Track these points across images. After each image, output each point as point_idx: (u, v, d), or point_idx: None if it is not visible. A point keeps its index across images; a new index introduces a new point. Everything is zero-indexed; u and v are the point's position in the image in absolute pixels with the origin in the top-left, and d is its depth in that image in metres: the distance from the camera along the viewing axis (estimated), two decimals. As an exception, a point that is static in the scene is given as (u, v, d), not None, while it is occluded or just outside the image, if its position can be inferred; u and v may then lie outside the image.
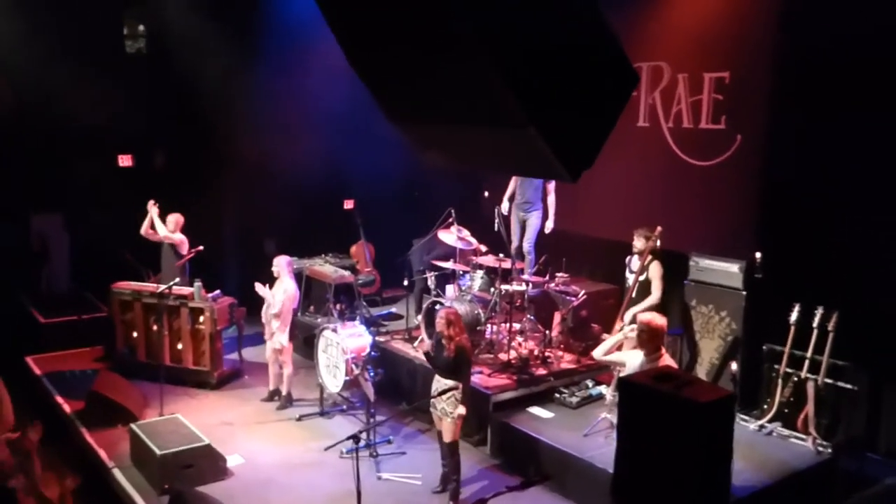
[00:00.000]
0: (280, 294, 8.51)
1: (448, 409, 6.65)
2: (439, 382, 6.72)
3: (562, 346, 9.08)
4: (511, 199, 9.69)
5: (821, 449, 7.09)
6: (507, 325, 8.74)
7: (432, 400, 6.77)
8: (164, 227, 9.49)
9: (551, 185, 9.48)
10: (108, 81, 10.42)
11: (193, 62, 10.55)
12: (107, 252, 10.87)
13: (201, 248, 9.54)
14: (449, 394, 6.59)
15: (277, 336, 8.57)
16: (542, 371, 8.49)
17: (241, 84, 11.03)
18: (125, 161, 11.57)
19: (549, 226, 9.50)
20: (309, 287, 10.70)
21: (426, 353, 7.09)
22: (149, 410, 8.36)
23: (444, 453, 6.94)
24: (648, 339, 5.60)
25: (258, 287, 8.65)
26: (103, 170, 11.30)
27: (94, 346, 10.24)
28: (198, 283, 9.25)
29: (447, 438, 6.77)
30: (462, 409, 6.63)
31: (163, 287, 8.84)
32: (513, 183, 9.68)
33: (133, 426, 7.49)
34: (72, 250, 11.79)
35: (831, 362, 7.15)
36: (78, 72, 10.16)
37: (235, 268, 11.32)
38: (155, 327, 9.21)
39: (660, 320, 5.71)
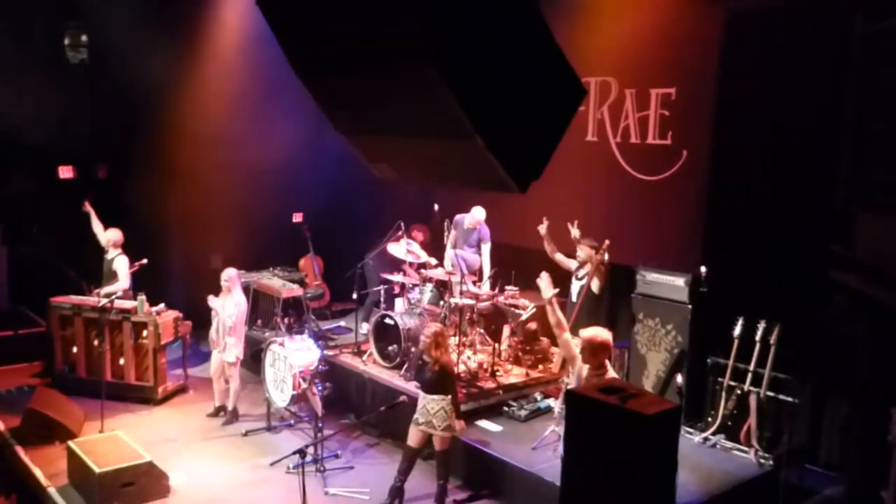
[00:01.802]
0: (231, 307, 8.39)
1: (437, 423, 6.71)
2: (425, 399, 6.76)
3: (511, 359, 9.10)
4: (454, 247, 9.70)
5: (763, 461, 7.21)
6: (457, 338, 8.73)
7: (416, 416, 6.81)
8: (101, 226, 9.38)
9: (485, 241, 9.62)
10: (48, 92, 10.17)
11: (136, 72, 10.35)
12: (46, 266, 10.61)
13: (145, 260, 9.34)
14: (437, 408, 6.68)
15: (231, 349, 8.43)
16: (491, 384, 8.49)
17: (186, 94, 10.87)
18: (66, 173, 11.31)
19: (484, 286, 9.40)
20: (256, 301, 10.57)
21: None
22: (89, 427, 8.14)
23: (404, 468, 6.93)
24: (591, 354, 5.57)
25: (211, 300, 8.51)
26: (44, 182, 11.04)
27: (31, 362, 9.95)
28: (141, 297, 9.06)
29: (439, 447, 6.85)
30: (458, 425, 6.77)
31: (104, 301, 8.64)
32: (454, 231, 9.72)
33: (71, 444, 7.28)
34: (9, 264, 11.47)
35: (773, 375, 7.28)
36: (17, 82, 9.92)
37: (181, 281, 11.12)
38: (96, 342, 8.99)
39: (602, 335, 5.67)
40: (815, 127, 7.31)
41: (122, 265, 9.24)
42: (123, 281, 9.17)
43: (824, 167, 7.38)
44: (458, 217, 9.77)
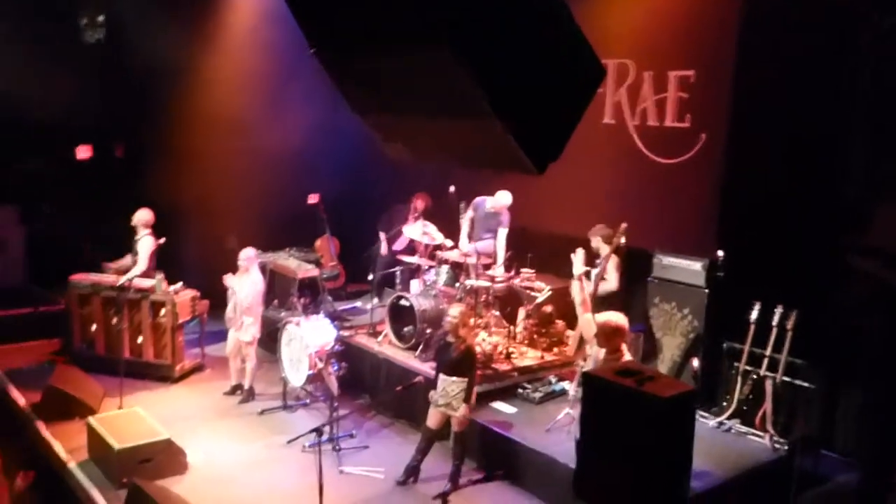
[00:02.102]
0: (248, 286, 8.44)
1: (456, 405, 6.77)
2: (446, 381, 6.80)
3: (526, 341, 9.10)
4: (470, 235, 9.55)
5: (777, 446, 7.19)
6: (472, 320, 8.73)
7: (436, 397, 6.85)
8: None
9: (504, 227, 9.41)
10: (65, 72, 10.24)
11: (152, 52, 10.38)
12: (64, 244, 10.71)
13: (162, 240, 9.40)
14: (459, 391, 6.74)
15: (248, 329, 8.48)
16: (505, 366, 8.51)
17: (202, 74, 10.89)
18: (84, 153, 11.39)
19: (499, 270, 9.32)
20: (273, 281, 10.62)
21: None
22: (107, 404, 8.24)
23: (422, 447, 7.01)
24: (605, 338, 5.58)
25: (228, 279, 8.56)
26: (61, 161, 11.12)
27: (50, 339, 10.06)
28: (159, 276, 9.13)
29: (457, 429, 6.91)
30: (463, 409, 6.77)
31: (123, 279, 8.72)
32: (471, 214, 9.53)
33: (91, 420, 7.38)
34: (28, 243, 11.59)
35: (789, 361, 7.25)
36: (35, 62, 9.97)
37: (198, 261, 11.18)
38: (114, 320, 9.07)
39: (617, 320, 5.66)
40: (834, 111, 7.23)
41: (144, 247, 9.26)
42: (141, 263, 9.20)
43: (843, 152, 7.32)
44: (477, 200, 9.56)
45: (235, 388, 8.84)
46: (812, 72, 7.28)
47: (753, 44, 7.67)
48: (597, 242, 7.89)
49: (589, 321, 5.83)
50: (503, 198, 9.29)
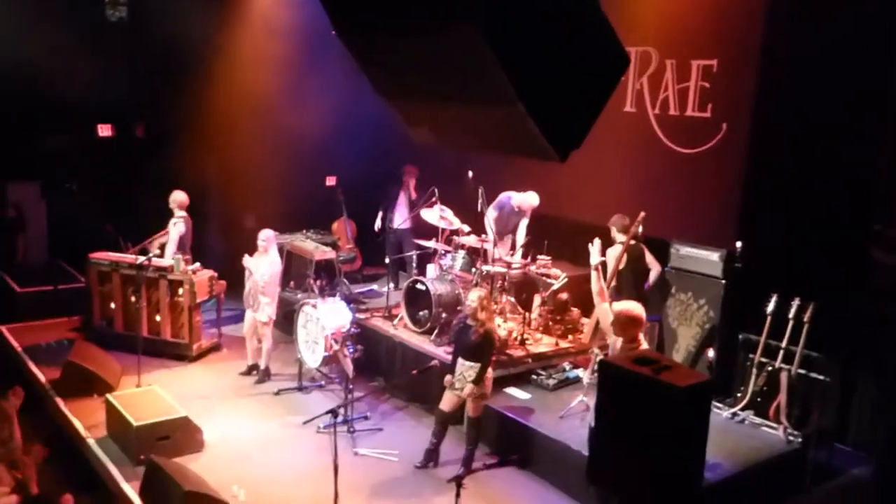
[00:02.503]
0: (266, 266, 8.50)
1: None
2: (463, 366, 6.83)
3: (541, 328, 9.12)
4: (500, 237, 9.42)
5: (791, 438, 7.18)
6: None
7: (452, 380, 6.89)
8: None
9: (526, 217, 9.41)
10: (88, 50, 10.29)
11: (174, 31, 10.42)
12: (85, 222, 10.80)
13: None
14: (472, 374, 6.77)
15: (265, 309, 8.55)
16: (520, 353, 8.53)
17: (224, 55, 10.91)
18: (105, 131, 11.46)
19: (517, 256, 9.29)
20: (290, 262, 10.67)
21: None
22: (125, 382, 8.33)
23: (437, 431, 7.05)
24: (622, 328, 5.54)
25: (246, 259, 8.63)
26: (82, 139, 11.20)
27: (70, 317, 10.17)
28: (177, 256, 9.20)
29: (472, 414, 6.95)
30: (469, 389, 6.79)
31: (142, 259, 8.80)
32: (496, 214, 9.38)
33: (109, 397, 7.46)
34: (49, 220, 11.69)
35: (805, 353, 7.23)
36: (57, 40, 10.03)
37: (216, 241, 11.27)
38: (133, 298, 9.16)
39: (633, 310, 5.61)
40: (859, 104, 7.17)
41: (175, 230, 9.37)
42: (170, 245, 9.33)
43: (867, 145, 7.26)
44: (502, 199, 9.41)
45: (251, 369, 8.92)
46: (838, 62, 7.21)
47: (778, 33, 7.60)
48: (614, 232, 7.89)
49: (606, 311, 5.83)
50: (532, 199, 9.27)
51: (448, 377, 6.92)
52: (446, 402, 6.96)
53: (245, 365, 9.00)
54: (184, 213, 9.47)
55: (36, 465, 6.17)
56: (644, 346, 5.57)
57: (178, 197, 9.47)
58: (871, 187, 7.21)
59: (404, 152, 10.13)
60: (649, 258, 8.15)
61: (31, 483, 5.93)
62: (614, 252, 7.66)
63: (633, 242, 7.78)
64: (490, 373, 6.95)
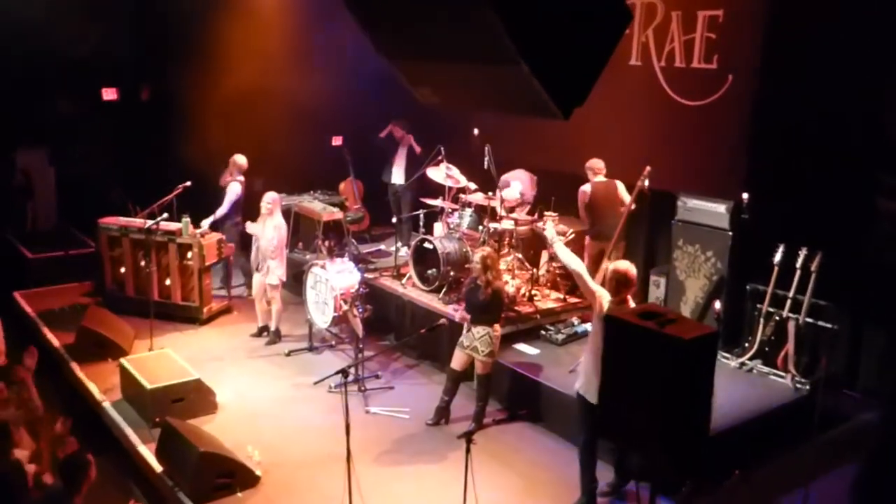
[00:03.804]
0: (271, 230, 8.53)
1: (480, 347, 6.88)
2: (473, 326, 6.90)
3: (549, 284, 9.16)
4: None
5: (799, 386, 7.25)
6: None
7: (461, 339, 6.96)
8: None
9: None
10: (91, 13, 10.23)
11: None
12: (93, 187, 10.83)
13: (188, 183, 9.47)
14: (483, 333, 6.84)
15: (273, 272, 8.60)
16: (528, 309, 8.58)
17: (229, 17, 10.82)
18: (109, 94, 11.43)
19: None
20: (298, 224, 10.71)
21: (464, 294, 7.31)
22: (138, 345, 8.43)
23: (449, 388, 7.14)
24: (610, 286, 5.59)
25: (249, 226, 8.68)
26: (89, 103, 11.17)
27: (81, 282, 10.25)
28: (186, 219, 9.24)
29: (481, 371, 7.03)
30: (482, 364, 6.94)
31: (150, 223, 8.84)
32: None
33: (123, 361, 7.56)
34: (57, 185, 11.72)
35: (813, 302, 7.27)
36: (60, 4, 9.96)
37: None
38: (143, 263, 9.22)
39: (626, 269, 5.60)
40: (868, 52, 7.09)
41: (231, 191, 9.58)
42: (223, 207, 9.53)
43: (875, 94, 7.19)
44: (503, 180, 9.43)
45: (262, 330, 9.01)
46: (845, 10, 7.12)
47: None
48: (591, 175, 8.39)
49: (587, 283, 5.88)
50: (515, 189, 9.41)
51: (444, 324, 6.92)
52: (457, 361, 7.03)
53: (255, 327, 9.08)
54: (242, 177, 9.55)
55: (54, 438, 6.24)
56: (632, 304, 5.58)
57: (240, 160, 9.67)
58: (877, 136, 7.15)
59: (410, 110, 10.07)
60: (622, 192, 8.34)
61: (45, 455, 6.01)
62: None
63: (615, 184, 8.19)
64: (499, 330, 7.01)
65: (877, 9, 7.00)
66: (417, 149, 10.61)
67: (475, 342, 6.88)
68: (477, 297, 6.87)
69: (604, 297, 5.70)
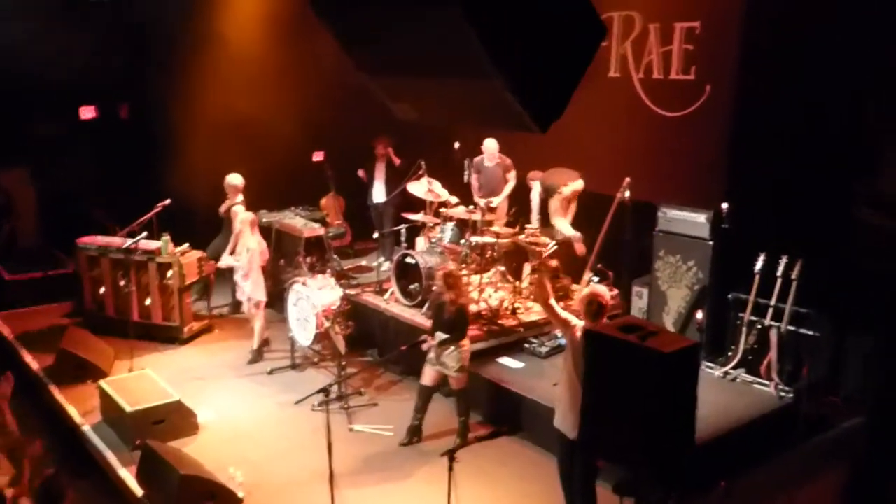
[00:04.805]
0: (244, 254, 8.43)
1: (449, 364, 6.82)
2: (439, 340, 6.84)
3: (532, 297, 9.14)
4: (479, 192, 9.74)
5: (783, 394, 7.27)
6: (478, 276, 8.77)
7: (430, 355, 6.89)
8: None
9: (511, 175, 9.71)
10: (69, 31, 10.16)
11: (155, 10, 10.29)
12: (74, 206, 10.73)
13: (168, 201, 9.41)
14: (451, 351, 6.79)
15: (252, 294, 8.51)
16: (512, 322, 8.56)
17: (207, 32, 10.78)
18: (87, 113, 11.35)
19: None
20: (280, 240, 10.64)
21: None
22: (118, 366, 8.33)
23: (420, 406, 7.09)
24: (592, 311, 5.33)
25: (224, 260, 8.60)
26: (68, 122, 11.09)
27: (60, 303, 10.14)
28: (165, 238, 9.15)
29: (456, 387, 6.97)
30: (456, 378, 6.87)
31: (129, 242, 8.76)
32: (476, 176, 9.76)
33: (102, 383, 7.47)
34: (38, 205, 11.62)
35: (794, 310, 7.30)
36: (38, 22, 9.90)
37: (204, 221, 11.19)
38: (122, 282, 9.13)
39: (602, 294, 5.41)
40: (843, 61, 7.15)
41: (234, 220, 8.87)
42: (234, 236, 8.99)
43: (852, 103, 7.25)
44: (477, 159, 9.73)
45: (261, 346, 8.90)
46: (821, 20, 7.18)
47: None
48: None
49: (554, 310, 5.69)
50: (491, 144, 9.57)
51: (426, 340, 6.89)
52: (427, 377, 6.99)
53: (238, 345, 9.02)
54: (241, 197, 9.46)
55: (32, 460, 6.15)
56: None
57: (234, 181, 9.54)
58: (855, 145, 7.21)
59: (391, 125, 10.06)
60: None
61: (24, 478, 5.92)
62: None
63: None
64: (467, 345, 6.95)
65: (852, 18, 7.07)
66: (396, 161, 10.59)
67: (444, 358, 6.83)
68: (442, 315, 6.85)
69: (578, 326, 5.42)
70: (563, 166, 9.14)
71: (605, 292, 5.50)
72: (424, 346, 6.87)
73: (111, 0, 10.89)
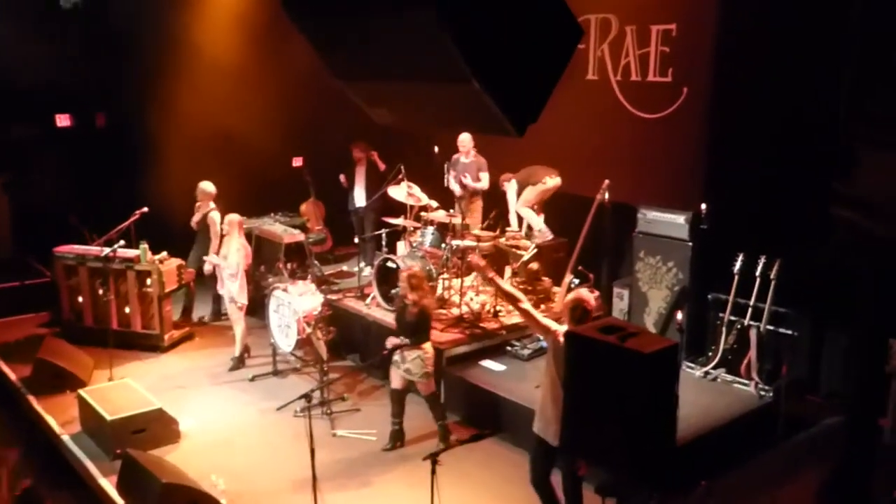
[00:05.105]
0: (234, 254, 8.41)
1: (413, 369, 6.81)
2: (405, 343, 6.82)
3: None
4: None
5: (763, 393, 7.31)
6: (459, 280, 8.78)
7: (396, 358, 6.87)
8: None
9: (483, 175, 9.66)
10: (43, 38, 10.09)
11: (130, 16, 10.23)
12: (49, 215, 10.63)
13: (146, 209, 9.35)
14: (414, 356, 6.77)
15: (236, 296, 8.48)
16: (493, 325, 8.57)
17: (183, 38, 10.72)
18: (63, 121, 11.26)
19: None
20: (259, 247, 10.58)
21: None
22: (98, 376, 8.26)
23: (396, 411, 7.08)
24: (577, 316, 5.23)
25: (210, 259, 8.58)
26: (43, 131, 11.00)
27: (38, 313, 10.04)
28: (143, 245, 9.09)
29: (425, 392, 6.96)
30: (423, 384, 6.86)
31: (107, 250, 8.69)
32: (453, 173, 9.75)
33: (81, 392, 7.40)
34: (12, 214, 11.50)
35: (773, 309, 7.35)
36: (13, 30, 9.82)
37: (182, 229, 11.12)
38: (101, 291, 9.05)
39: (586, 298, 5.33)
40: (818, 62, 7.22)
41: (212, 224, 9.35)
42: (214, 241, 9.29)
43: (827, 103, 7.31)
44: (454, 157, 9.76)
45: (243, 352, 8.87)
46: (796, 21, 7.25)
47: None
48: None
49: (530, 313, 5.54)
50: (466, 140, 9.54)
51: (390, 340, 6.86)
52: (395, 380, 7.00)
53: (219, 352, 8.98)
54: (213, 205, 9.49)
55: (10, 471, 6.08)
56: None
57: (207, 188, 9.55)
58: (831, 145, 7.28)
59: (370, 129, 10.05)
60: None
61: (2, 490, 5.86)
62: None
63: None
64: (430, 350, 6.94)
65: (828, 18, 7.13)
66: (381, 165, 10.56)
67: (408, 363, 6.82)
68: (405, 317, 6.83)
69: (559, 331, 5.28)
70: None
71: (591, 297, 5.46)
72: (389, 344, 6.79)
73: (85, 7, 10.82)
